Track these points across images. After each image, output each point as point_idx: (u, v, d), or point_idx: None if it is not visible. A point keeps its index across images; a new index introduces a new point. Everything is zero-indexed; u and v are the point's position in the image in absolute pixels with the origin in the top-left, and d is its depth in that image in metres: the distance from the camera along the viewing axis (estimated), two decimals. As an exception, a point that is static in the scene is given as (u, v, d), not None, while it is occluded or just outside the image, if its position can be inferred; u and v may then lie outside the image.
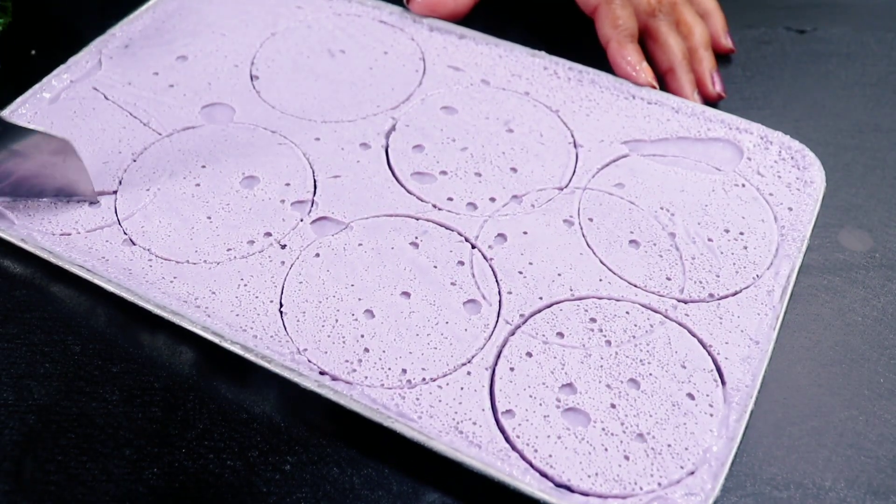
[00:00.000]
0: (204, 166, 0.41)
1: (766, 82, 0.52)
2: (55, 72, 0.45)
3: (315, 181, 0.41)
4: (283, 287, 0.37)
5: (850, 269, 0.42)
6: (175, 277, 0.37)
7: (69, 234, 0.38)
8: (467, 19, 0.51)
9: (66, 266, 0.36)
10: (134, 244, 0.38)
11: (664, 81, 0.48)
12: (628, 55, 0.47)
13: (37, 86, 0.44)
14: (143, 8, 0.49)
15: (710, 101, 0.48)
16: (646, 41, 0.50)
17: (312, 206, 0.40)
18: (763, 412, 0.36)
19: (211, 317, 0.35)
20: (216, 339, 0.34)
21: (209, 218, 0.39)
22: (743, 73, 0.52)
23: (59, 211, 0.39)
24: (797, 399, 0.37)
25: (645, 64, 0.47)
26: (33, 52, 0.45)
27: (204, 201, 0.40)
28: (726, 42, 0.52)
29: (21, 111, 0.43)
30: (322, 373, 0.34)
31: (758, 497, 0.34)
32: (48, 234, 0.38)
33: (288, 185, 0.41)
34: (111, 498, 0.32)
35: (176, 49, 0.48)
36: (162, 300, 0.35)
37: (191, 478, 0.33)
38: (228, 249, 0.38)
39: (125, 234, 0.38)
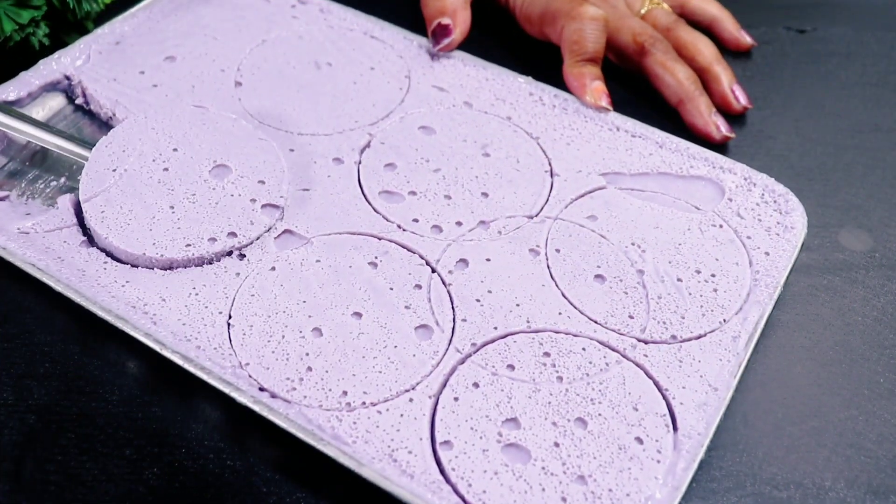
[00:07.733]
0: (176, 149, 0.40)
1: (766, 82, 0.52)
2: (43, 60, 0.45)
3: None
4: (234, 299, 0.36)
5: (850, 269, 0.42)
6: (127, 282, 0.36)
7: (27, 233, 0.38)
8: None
9: (19, 264, 0.36)
10: (91, 245, 0.38)
11: (681, 116, 0.47)
12: (576, 77, 0.46)
13: (27, 71, 0.45)
14: (141, 5, 0.49)
15: (736, 115, 0.48)
16: (649, 80, 0.48)
17: (283, 213, 0.39)
18: (763, 412, 0.36)
19: (157, 324, 0.35)
20: (157, 347, 0.34)
21: (172, 208, 0.38)
22: (743, 73, 0.52)
23: (19, 210, 0.39)
24: (797, 399, 0.37)
25: (597, 84, 0.45)
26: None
27: (169, 189, 0.39)
28: (745, 39, 0.52)
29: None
30: (262, 389, 0.33)
31: (758, 497, 0.34)
32: (4, 230, 0.38)
33: (262, 182, 0.40)
34: (111, 498, 0.32)
35: (166, 49, 0.48)
36: (110, 304, 0.35)
37: (191, 478, 0.33)
38: (188, 245, 0.37)
39: (83, 235, 0.38)
